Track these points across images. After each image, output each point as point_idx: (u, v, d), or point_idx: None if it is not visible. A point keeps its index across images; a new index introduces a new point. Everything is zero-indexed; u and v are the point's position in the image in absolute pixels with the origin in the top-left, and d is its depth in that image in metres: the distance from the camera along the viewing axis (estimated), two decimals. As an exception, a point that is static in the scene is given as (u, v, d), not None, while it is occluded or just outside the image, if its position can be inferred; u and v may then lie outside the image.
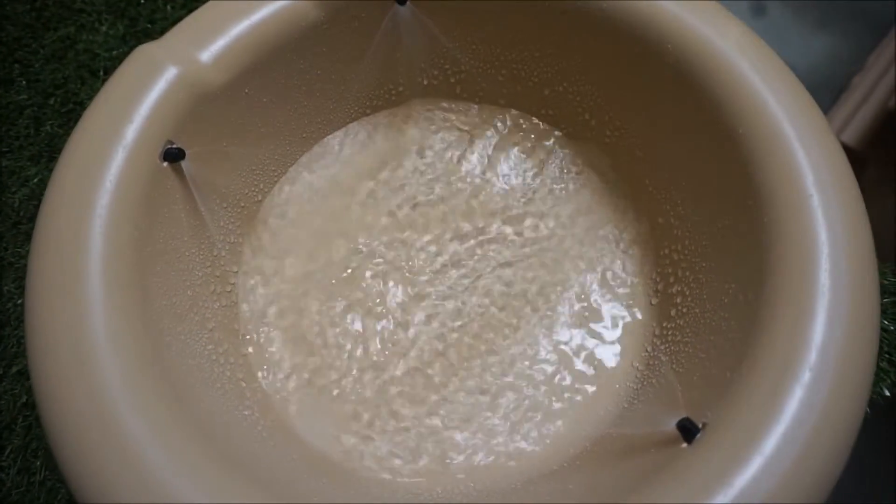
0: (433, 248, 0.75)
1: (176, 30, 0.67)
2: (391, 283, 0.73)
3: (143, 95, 0.62)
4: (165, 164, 0.62)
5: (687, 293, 0.68)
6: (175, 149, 0.63)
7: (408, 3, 0.71)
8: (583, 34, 0.71)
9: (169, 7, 0.96)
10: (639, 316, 0.72)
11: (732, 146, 0.60)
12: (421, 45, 0.76)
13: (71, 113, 0.88)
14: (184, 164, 0.63)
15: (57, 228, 0.56)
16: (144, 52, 0.65)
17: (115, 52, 0.92)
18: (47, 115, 0.88)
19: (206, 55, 0.65)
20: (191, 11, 0.96)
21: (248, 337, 0.71)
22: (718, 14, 0.64)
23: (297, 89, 0.74)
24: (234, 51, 0.66)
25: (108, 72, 0.91)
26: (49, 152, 0.86)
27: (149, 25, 0.94)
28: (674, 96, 0.66)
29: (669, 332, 0.68)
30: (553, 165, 0.79)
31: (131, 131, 0.60)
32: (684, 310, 0.67)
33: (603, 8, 0.67)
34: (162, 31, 1.01)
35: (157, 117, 0.62)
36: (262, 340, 0.71)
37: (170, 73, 0.63)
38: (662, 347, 0.68)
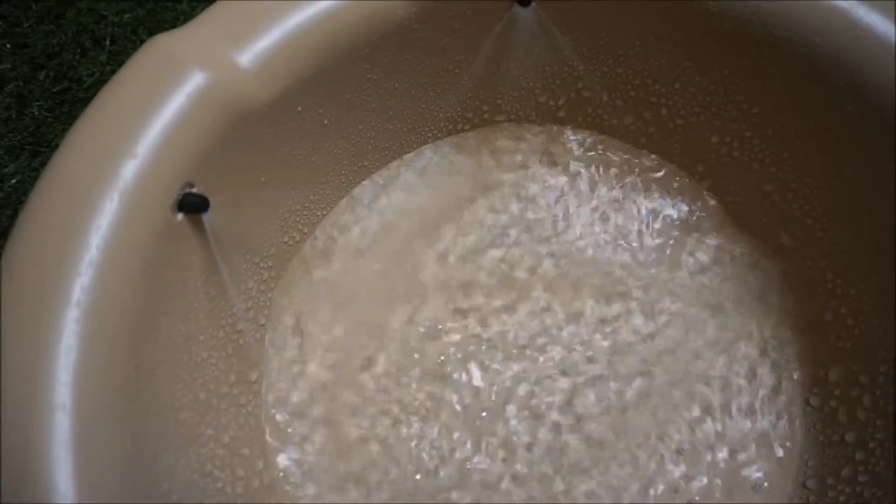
0: (511, 329, 0.57)
1: (207, 15, 0.47)
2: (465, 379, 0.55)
3: (154, 115, 0.43)
4: (181, 216, 0.44)
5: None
6: (196, 195, 0.44)
7: (533, 3, 0.51)
8: (785, 75, 0.51)
9: (201, -39, 0.76)
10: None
11: None
12: (539, 57, 0.56)
13: (65, 94, 0.69)
14: (206, 216, 0.44)
15: (16, 327, 0.37)
16: (161, 48, 0.45)
17: (126, 17, 0.72)
18: (34, 93, 0.69)
19: (248, 57, 0.46)
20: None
21: (277, 457, 0.53)
22: None
23: (365, 107, 0.55)
24: (288, 53, 0.47)
25: (117, 41, 0.72)
26: (33, 144, 0.67)
27: (173, -15, 0.74)
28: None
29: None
30: (694, 242, 0.59)
31: (133, 169, 0.41)
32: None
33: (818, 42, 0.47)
34: (192, -5, 0.82)
35: (173, 147, 0.43)
36: (294, 467, 0.53)
37: (195, 82, 0.44)
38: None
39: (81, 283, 0.38)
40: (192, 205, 0.43)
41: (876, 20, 0.47)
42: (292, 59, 0.47)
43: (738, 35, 0.50)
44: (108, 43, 0.71)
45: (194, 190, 0.44)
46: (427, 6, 0.50)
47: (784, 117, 0.53)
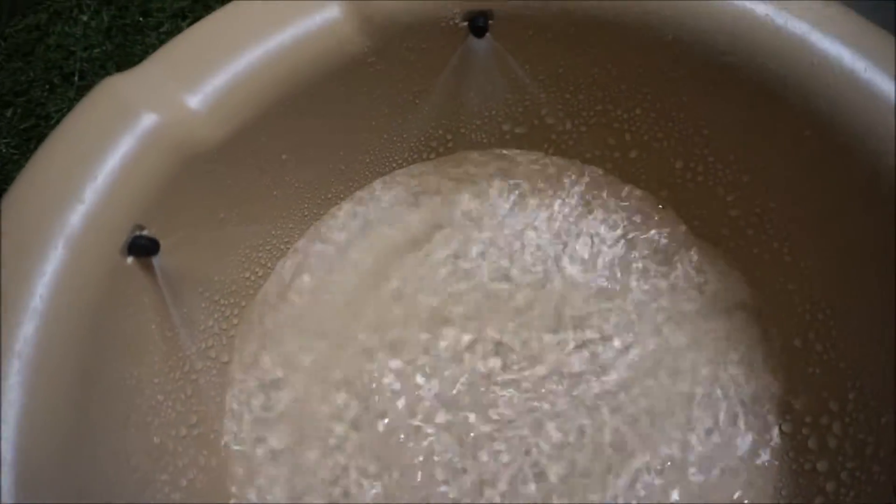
0: (478, 368, 0.56)
1: (158, 56, 0.47)
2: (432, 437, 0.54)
3: (102, 159, 0.42)
4: (131, 259, 0.43)
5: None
6: (145, 238, 0.44)
7: (487, 35, 0.51)
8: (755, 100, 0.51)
9: (169, -6, 0.76)
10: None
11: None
12: (500, 86, 0.55)
13: (32, 130, 0.69)
14: (156, 258, 0.44)
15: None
16: (112, 91, 0.45)
17: (95, 51, 0.73)
18: (1, 130, 0.69)
19: (199, 98, 0.45)
20: (195, 3, 0.77)
21: (238, 499, 0.52)
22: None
23: (325, 140, 0.55)
24: (240, 93, 0.47)
25: (86, 77, 0.72)
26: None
27: (140, 19, 0.74)
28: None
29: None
30: (660, 267, 0.59)
31: (80, 215, 0.41)
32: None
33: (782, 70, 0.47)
34: (158, 27, 0.81)
35: (121, 191, 0.43)
36: None
37: (145, 124, 0.44)
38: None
39: (24, 334, 0.38)
40: (142, 248, 0.43)
41: (832, 46, 0.47)
42: (244, 99, 0.47)
43: (694, 62, 0.50)
44: (76, 79, 0.71)
45: (145, 232, 0.44)
46: (382, 37, 0.50)
47: (745, 142, 0.53)
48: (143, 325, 0.45)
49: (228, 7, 0.49)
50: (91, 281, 0.41)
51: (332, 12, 0.49)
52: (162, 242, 0.44)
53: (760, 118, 0.51)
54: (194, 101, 0.45)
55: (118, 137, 0.43)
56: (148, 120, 0.44)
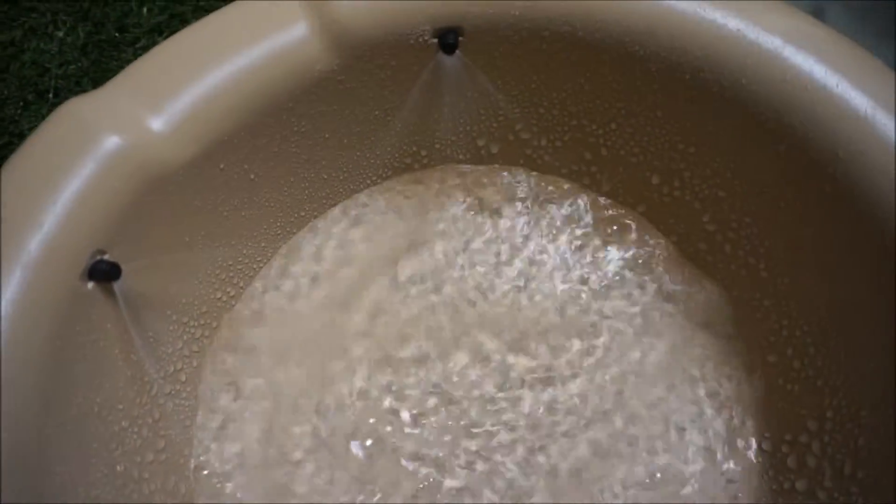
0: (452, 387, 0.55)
1: (122, 77, 0.46)
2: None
3: (62, 182, 0.42)
4: (91, 285, 0.43)
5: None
6: (106, 263, 0.43)
7: (457, 52, 0.50)
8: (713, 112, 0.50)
9: (145, 9, 0.75)
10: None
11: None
12: (473, 101, 0.55)
13: (5, 148, 0.68)
14: (118, 284, 0.43)
15: None
16: (72, 113, 0.44)
17: (71, 68, 0.72)
18: (-26, 149, 0.68)
19: (162, 119, 0.45)
20: (172, 18, 0.76)
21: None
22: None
23: (296, 158, 0.54)
24: (204, 114, 0.46)
25: (60, 94, 0.71)
26: (-27, 201, 0.66)
27: (117, 34, 0.74)
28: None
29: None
30: (638, 282, 0.58)
31: (38, 240, 0.40)
32: None
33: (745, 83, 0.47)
34: (134, 43, 0.81)
35: (82, 215, 0.42)
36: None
37: (107, 147, 0.43)
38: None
39: (-23, 363, 0.37)
40: (103, 273, 0.42)
41: (804, 61, 0.46)
42: (209, 120, 0.46)
43: (667, 77, 0.50)
44: (51, 96, 0.71)
45: (106, 257, 0.43)
46: (349, 55, 0.50)
47: (719, 157, 0.52)
48: (106, 351, 0.44)
49: (195, 26, 0.48)
50: (50, 307, 0.40)
51: (299, 31, 0.48)
52: (124, 267, 0.43)
53: (734, 133, 0.50)
54: (158, 122, 0.45)
55: (79, 161, 0.42)
56: (110, 143, 0.43)
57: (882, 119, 0.45)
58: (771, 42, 0.47)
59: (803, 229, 0.50)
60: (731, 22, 0.47)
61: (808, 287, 0.51)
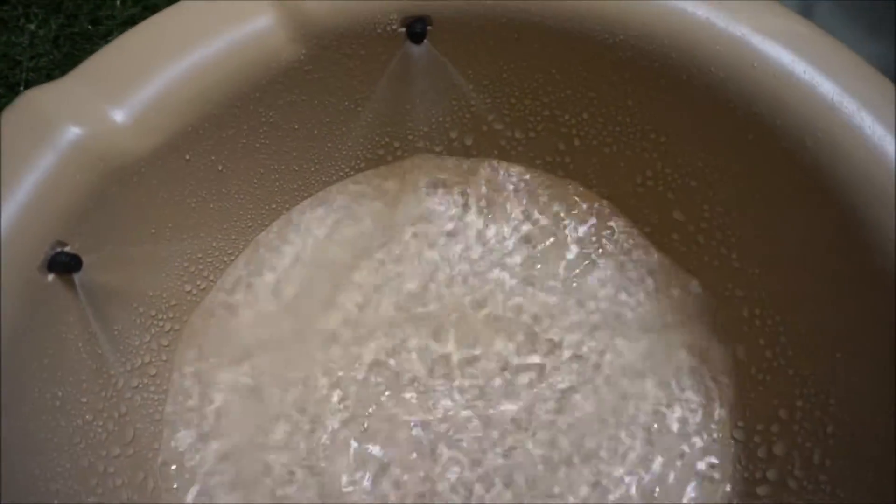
0: (435, 383, 0.55)
1: (83, 67, 0.46)
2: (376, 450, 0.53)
3: (19, 173, 0.41)
4: (51, 277, 0.42)
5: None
6: (66, 255, 0.42)
7: (425, 41, 0.50)
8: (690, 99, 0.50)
9: (118, 2, 0.75)
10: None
11: None
12: (444, 92, 0.54)
13: (-24, 142, 0.67)
14: (78, 276, 0.43)
15: None
16: (33, 104, 0.44)
17: (42, 61, 0.71)
18: (-56, 143, 0.67)
19: (124, 110, 0.44)
20: (145, 10, 0.76)
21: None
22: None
23: (265, 149, 0.53)
24: (167, 104, 0.45)
25: (32, 86, 0.70)
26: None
27: (90, 27, 0.73)
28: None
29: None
30: (611, 273, 0.58)
31: (-4, 231, 0.40)
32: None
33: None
34: (107, 36, 0.80)
35: (41, 207, 0.41)
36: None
37: (67, 138, 0.43)
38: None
39: (-69, 356, 0.37)
40: (63, 265, 0.42)
41: (772, 49, 0.46)
42: (172, 110, 0.46)
43: (636, 66, 0.49)
44: (21, 89, 0.70)
45: (66, 249, 0.43)
46: (316, 45, 0.49)
47: (690, 147, 0.52)
48: (68, 344, 0.44)
49: (158, 16, 0.48)
50: (8, 299, 0.40)
51: (264, 20, 0.47)
52: (85, 259, 0.43)
53: (704, 122, 0.50)
54: (119, 112, 0.44)
55: (37, 151, 0.42)
56: (70, 133, 0.43)
57: (850, 106, 0.44)
58: (739, 30, 0.47)
59: (774, 219, 0.50)
60: (700, 9, 0.47)
61: (780, 277, 0.51)
